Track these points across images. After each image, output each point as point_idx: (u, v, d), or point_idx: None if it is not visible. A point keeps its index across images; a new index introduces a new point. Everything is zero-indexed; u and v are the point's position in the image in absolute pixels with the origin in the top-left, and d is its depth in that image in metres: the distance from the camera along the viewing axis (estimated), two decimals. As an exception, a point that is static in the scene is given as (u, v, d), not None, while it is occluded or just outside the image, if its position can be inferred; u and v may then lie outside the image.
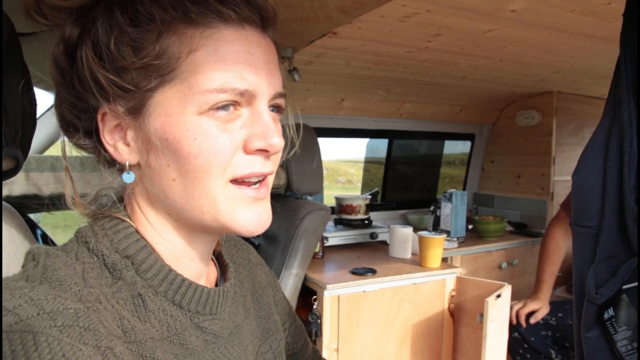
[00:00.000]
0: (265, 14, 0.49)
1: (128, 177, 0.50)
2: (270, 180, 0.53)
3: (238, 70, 0.45)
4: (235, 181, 0.48)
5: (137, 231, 0.51)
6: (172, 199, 0.48)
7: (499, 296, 1.55)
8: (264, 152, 0.48)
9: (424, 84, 2.14)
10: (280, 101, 0.52)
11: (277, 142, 0.48)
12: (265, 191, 0.51)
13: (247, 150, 0.48)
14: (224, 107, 0.46)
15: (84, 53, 0.45)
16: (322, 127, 2.30)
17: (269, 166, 0.50)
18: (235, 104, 0.46)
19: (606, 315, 0.52)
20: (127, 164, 0.49)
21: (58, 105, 0.50)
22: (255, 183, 0.50)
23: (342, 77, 1.94)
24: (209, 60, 0.45)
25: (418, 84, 2.13)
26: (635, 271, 0.50)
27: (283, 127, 0.58)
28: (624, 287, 0.51)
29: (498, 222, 2.38)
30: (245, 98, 0.47)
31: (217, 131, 0.45)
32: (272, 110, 0.51)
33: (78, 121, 0.49)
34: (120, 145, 0.49)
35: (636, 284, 0.49)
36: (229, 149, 0.46)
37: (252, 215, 0.49)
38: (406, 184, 2.96)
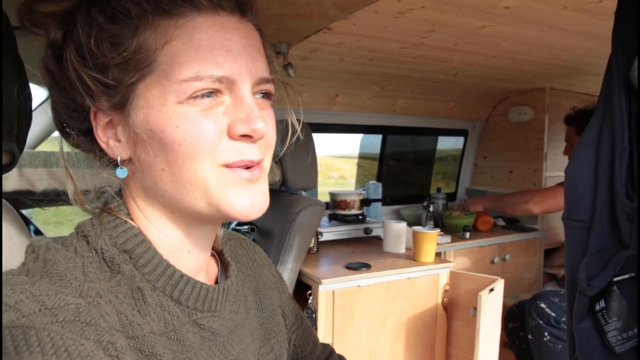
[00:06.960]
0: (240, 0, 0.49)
1: (121, 172, 0.51)
2: (265, 165, 0.52)
3: (213, 56, 0.45)
4: (227, 166, 0.48)
5: (135, 226, 0.51)
6: (163, 189, 0.48)
7: (492, 290, 1.57)
8: (249, 137, 0.48)
9: (418, 80, 2.15)
10: (267, 87, 0.51)
11: (261, 126, 0.47)
12: (259, 173, 0.50)
13: (231, 136, 0.47)
14: (205, 95, 0.46)
15: (68, 55, 0.46)
16: (316, 123, 2.30)
17: (256, 153, 0.49)
18: (216, 91, 0.46)
19: (597, 307, 0.54)
20: (119, 159, 0.50)
21: (53, 107, 0.51)
22: (248, 167, 0.49)
23: (337, 72, 1.94)
24: (184, 49, 0.45)
25: (412, 80, 2.14)
26: (625, 264, 0.52)
27: (280, 121, 0.58)
28: (615, 279, 0.53)
29: (464, 217, 2.39)
30: (224, 85, 0.46)
31: (199, 117, 0.45)
32: (261, 97, 0.51)
33: (73, 121, 0.50)
34: (111, 141, 0.50)
35: (626, 276, 0.51)
36: (212, 133, 0.46)
37: (246, 198, 0.48)
38: (400, 180, 2.97)
